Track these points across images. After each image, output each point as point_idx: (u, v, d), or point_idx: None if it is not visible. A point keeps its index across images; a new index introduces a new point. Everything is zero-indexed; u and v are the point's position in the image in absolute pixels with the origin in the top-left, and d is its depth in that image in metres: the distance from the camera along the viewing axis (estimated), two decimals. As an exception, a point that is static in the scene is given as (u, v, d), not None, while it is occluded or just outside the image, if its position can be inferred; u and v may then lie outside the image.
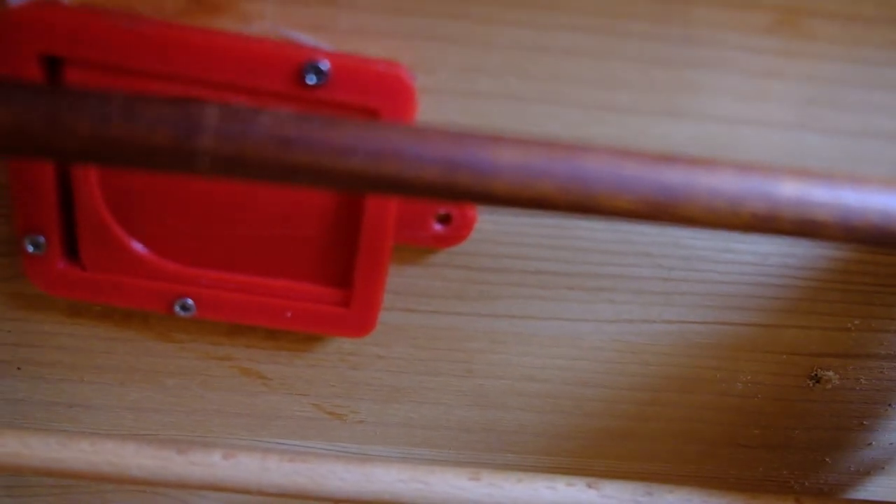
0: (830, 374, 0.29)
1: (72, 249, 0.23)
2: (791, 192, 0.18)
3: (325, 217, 0.23)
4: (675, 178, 0.17)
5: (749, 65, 0.21)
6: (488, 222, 0.24)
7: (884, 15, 0.21)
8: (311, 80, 0.20)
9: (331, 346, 0.26)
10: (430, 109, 0.21)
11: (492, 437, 0.29)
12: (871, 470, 0.32)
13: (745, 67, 0.21)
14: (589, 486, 0.24)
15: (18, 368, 0.27)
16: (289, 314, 0.24)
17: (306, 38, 0.20)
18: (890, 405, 0.30)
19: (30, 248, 0.22)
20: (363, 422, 0.28)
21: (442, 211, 0.23)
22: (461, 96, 0.21)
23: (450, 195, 0.17)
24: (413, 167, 0.17)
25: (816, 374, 0.29)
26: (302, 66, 0.19)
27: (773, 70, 0.21)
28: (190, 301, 0.23)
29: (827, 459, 0.31)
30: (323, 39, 0.20)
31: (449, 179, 0.17)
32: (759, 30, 0.21)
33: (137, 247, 0.23)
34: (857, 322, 0.27)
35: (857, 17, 0.21)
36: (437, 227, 0.23)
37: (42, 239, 0.22)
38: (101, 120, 0.16)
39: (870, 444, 0.31)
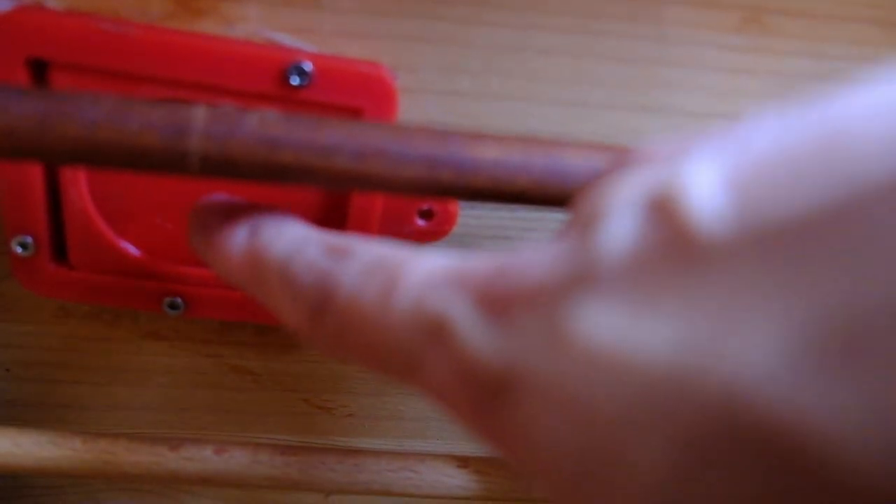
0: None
1: (60, 250, 0.23)
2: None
3: (309, 215, 0.23)
4: (649, 171, 0.18)
5: (719, 61, 0.22)
6: (470, 217, 0.24)
7: (844, 13, 0.22)
8: (294, 81, 0.20)
9: (318, 342, 0.27)
10: (411, 108, 0.22)
11: (477, 427, 0.29)
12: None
13: (715, 64, 0.22)
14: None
15: (7, 370, 0.27)
16: (277, 310, 0.24)
17: (289, 40, 0.21)
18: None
19: (18, 250, 0.23)
20: (352, 415, 0.29)
21: (424, 207, 0.23)
22: (442, 95, 0.22)
23: (433, 191, 0.18)
24: (397, 165, 0.17)
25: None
26: (286, 67, 0.20)
27: (742, 66, 0.22)
28: (179, 300, 0.24)
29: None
30: (306, 41, 0.21)
31: (431, 176, 0.17)
32: (728, 28, 0.22)
33: (126, 246, 0.23)
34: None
35: (819, 15, 0.22)
36: (420, 222, 0.24)
37: (30, 240, 0.23)
38: (90, 123, 0.16)
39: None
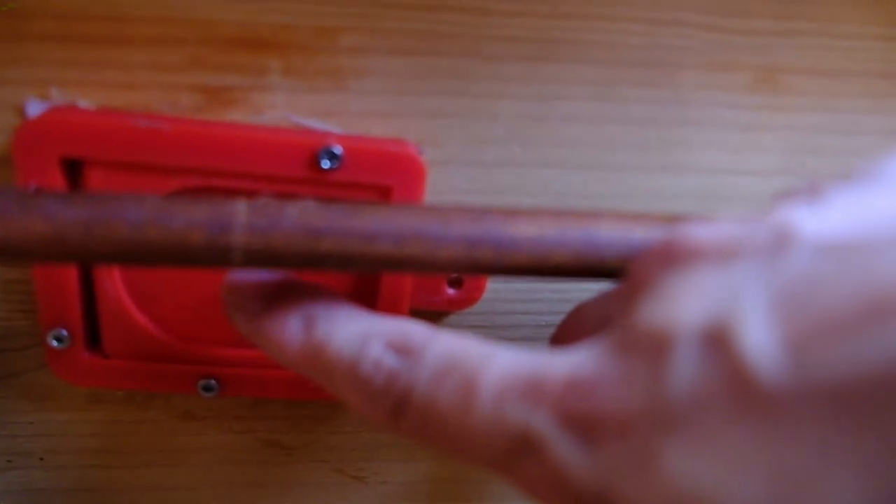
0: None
1: (94, 339, 0.24)
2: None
3: (342, 289, 0.23)
4: (681, 237, 0.19)
5: (734, 120, 0.23)
6: (498, 282, 0.25)
7: (853, 68, 0.22)
8: (325, 164, 0.20)
9: (351, 412, 0.27)
10: (438, 181, 0.22)
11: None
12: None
13: (730, 123, 0.23)
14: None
15: (41, 459, 0.27)
16: (312, 385, 0.24)
17: (317, 124, 0.21)
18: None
19: (53, 343, 0.23)
20: (386, 482, 0.29)
21: (453, 275, 0.24)
22: (468, 166, 0.22)
23: (472, 271, 0.18)
24: (436, 247, 0.17)
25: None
26: (317, 151, 0.20)
27: (757, 124, 0.23)
28: (213, 381, 0.24)
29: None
30: (333, 124, 0.21)
31: (471, 256, 0.18)
32: (741, 88, 0.22)
33: (160, 332, 0.23)
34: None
35: (829, 70, 0.22)
36: (450, 291, 0.24)
37: (65, 333, 0.23)
38: (135, 224, 0.17)
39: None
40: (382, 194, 0.21)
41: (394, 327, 0.17)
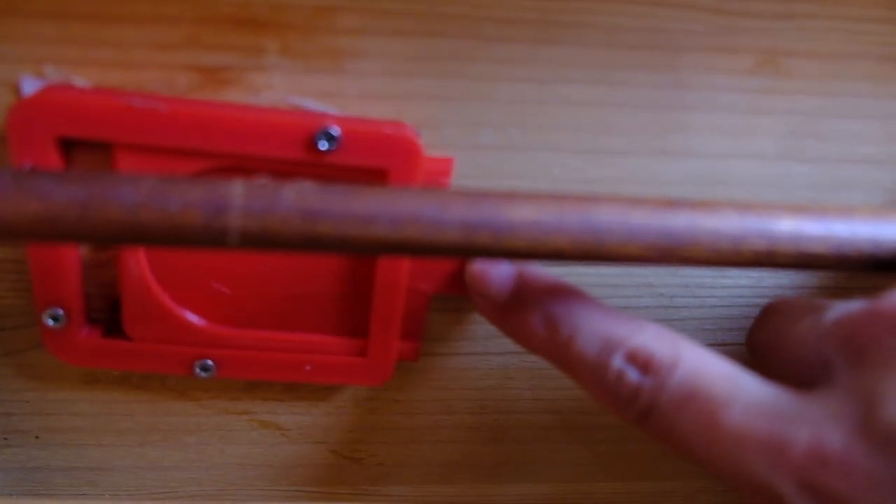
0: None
1: (91, 319, 0.23)
2: (788, 228, 0.19)
3: (340, 272, 0.23)
4: (680, 222, 0.18)
5: (735, 104, 0.22)
6: (496, 266, 0.24)
7: (855, 51, 0.22)
8: (323, 146, 0.20)
9: (347, 394, 0.27)
10: (436, 164, 0.22)
11: (507, 469, 0.29)
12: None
13: (731, 106, 0.22)
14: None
15: (37, 437, 0.27)
16: (307, 367, 0.24)
17: (315, 105, 0.21)
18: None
19: (49, 322, 0.23)
20: (382, 464, 0.29)
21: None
22: (465, 150, 0.22)
23: (470, 254, 0.18)
24: (433, 231, 0.17)
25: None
26: (314, 133, 0.20)
27: (758, 107, 0.23)
28: (210, 362, 0.24)
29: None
30: (330, 105, 0.21)
31: (468, 240, 0.18)
32: (742, 71, 0.22)
33: (188, 315, 0.23)
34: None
35: (830, 53, 0.22)
36: (448, 274, 0.24)
37: (61, 312, 0.23)
38: (131, 205, 0.16)
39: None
40: (380, 177, 0.21)
41: (636, 340, 0.18)
